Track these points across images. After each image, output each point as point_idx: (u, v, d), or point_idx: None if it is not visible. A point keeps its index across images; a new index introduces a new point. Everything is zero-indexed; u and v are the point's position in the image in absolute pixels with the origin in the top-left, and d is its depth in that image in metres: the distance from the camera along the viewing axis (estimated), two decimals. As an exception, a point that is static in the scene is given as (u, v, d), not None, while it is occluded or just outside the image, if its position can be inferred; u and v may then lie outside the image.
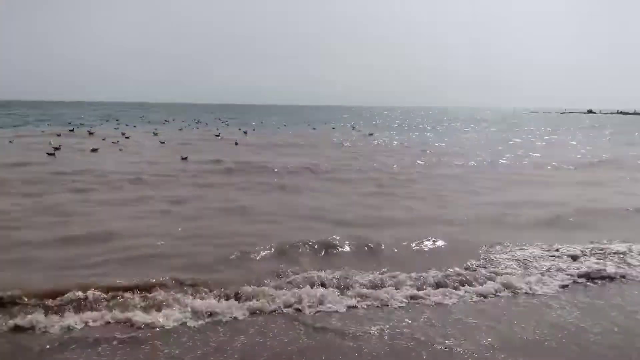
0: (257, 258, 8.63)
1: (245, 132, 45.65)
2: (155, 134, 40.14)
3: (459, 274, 7.90)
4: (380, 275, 7.74)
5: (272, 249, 8.96)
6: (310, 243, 9.27)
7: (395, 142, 37.11)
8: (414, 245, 9.45)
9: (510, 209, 12.84)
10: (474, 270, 8.15)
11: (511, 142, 38.86)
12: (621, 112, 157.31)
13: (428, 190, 16.19)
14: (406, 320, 6.42)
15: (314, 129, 56.21)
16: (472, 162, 23.90)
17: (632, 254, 9.08)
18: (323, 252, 9.02)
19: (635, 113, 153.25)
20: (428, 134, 49.17)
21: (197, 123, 63.96)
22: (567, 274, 8.11)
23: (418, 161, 24.41)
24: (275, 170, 20.09)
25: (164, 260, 8.34)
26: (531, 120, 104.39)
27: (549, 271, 8.21)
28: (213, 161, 22.49)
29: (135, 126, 52.17)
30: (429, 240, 9.67)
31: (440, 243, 9.59)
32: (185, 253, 8.82)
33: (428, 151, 29.67)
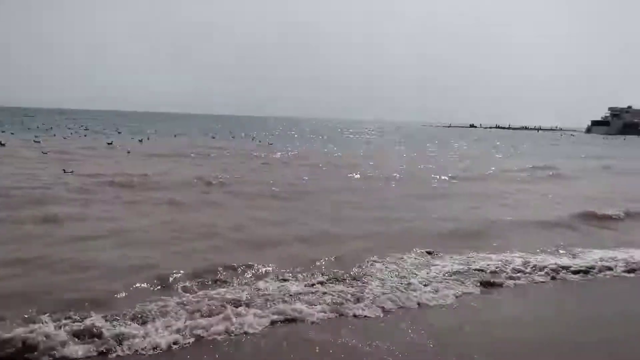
0: (130, 289, 7.76)
1: (140, 141, 43.50)
2: (36, 142, 36.63)
3: (349, 288, 7.98)
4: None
5: (150, 277, 8.20)
6: (190, 268, 8.64)
7: (297, 153, 37.31)
8: (302, 262, 9.27)
9: (403, 223, 13.26)
10: (358, 280, 8.38)
11: (404, 155, 40.70)
12: (499, 127, 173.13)
13: (324, 203, 16.30)
14: (265, 342, 6.30)
15: (213, 137, 55.20)
16: (370, 173, 24.61)
17: (521, 263, 9.70)
18: (206, 278, 8.37)
19: (509, 127, 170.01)
20: (330, 145, 50.11)
21: (85, 130, 59.80)
22: (458, 285, 8.46)
23: (317, 173, 24.63)
24: (168, 182, 19.13)
25: (20, 296, 7.26)
26: (422, 132, 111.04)
27: (442, 282, 8.53)
28: (100, 173, 20.73)
29: (12, 133, 47.26)
30: (319, 258, 9.52)
31: (330, 259, 9.53)
32: (48, 283, 7.86)
33: (328, 162, 30.09)
